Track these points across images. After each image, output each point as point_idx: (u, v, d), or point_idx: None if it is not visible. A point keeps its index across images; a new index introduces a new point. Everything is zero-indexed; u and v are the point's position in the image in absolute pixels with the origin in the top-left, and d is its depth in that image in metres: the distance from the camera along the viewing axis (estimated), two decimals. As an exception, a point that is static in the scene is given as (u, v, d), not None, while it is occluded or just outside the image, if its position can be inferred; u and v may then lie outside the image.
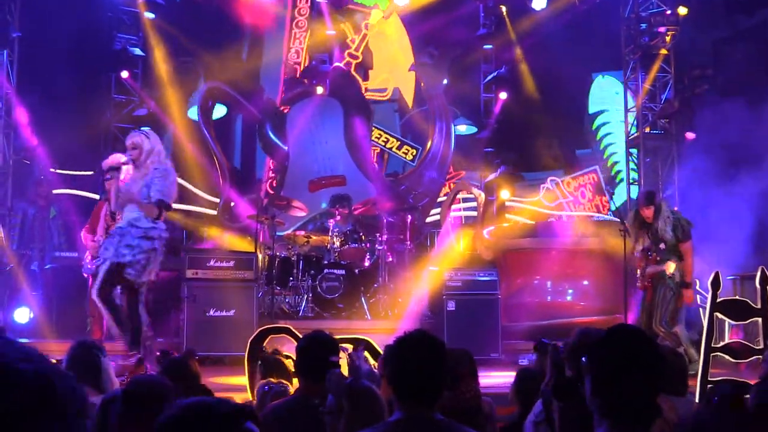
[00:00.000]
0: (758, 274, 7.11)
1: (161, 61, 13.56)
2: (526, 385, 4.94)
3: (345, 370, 4.42)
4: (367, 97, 15.00)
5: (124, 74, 13.30)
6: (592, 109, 17.71)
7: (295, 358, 4.60)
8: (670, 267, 9.12)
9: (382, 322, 10.95)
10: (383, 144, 15.11)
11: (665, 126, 15.00)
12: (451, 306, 10.52)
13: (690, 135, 14.19)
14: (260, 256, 11.34)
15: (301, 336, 5.15)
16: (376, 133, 15.05)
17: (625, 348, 2.55)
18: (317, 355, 4.22)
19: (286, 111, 14.54)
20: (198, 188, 13.59)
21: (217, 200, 13.65)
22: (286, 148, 14.25)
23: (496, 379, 7.88)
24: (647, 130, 15.00)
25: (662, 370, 2.59)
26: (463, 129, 15.51)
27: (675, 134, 14.82)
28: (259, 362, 5.74)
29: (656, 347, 2.64)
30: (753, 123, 13.22)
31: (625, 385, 2.47)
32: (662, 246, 9.19)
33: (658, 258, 9.25)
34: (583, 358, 2.63)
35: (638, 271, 9.58)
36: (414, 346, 3.14)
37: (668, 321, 9.07)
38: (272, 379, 5.09)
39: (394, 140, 15.26)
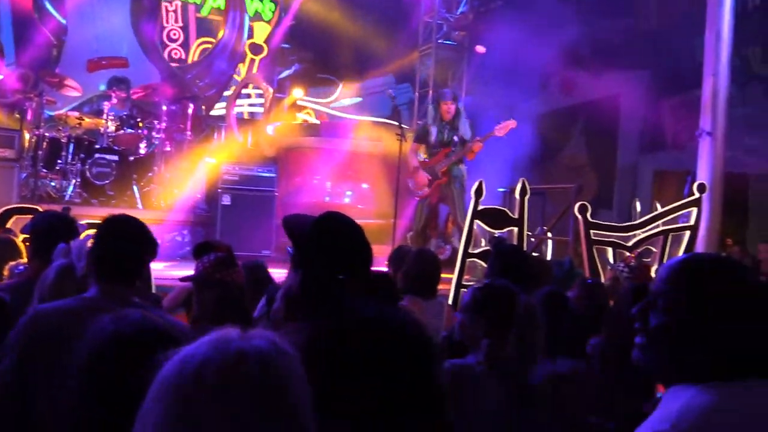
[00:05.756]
0: (519, 185, 7.38)
1: None
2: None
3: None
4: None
5: None
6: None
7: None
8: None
9: (153, 212, 10.54)
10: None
11: (458, 38, 15.16)
12: (225, 200, 10.30)
13: (480, 49, 14.40)
14: (26, 136, 10.59)
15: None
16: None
17: (329, 238, 2.42)
18: (51, 235, 3.97)
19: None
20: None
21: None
22: (64, 21, 13.22)
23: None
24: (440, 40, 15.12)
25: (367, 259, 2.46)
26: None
27: (467, 46, 15.02)
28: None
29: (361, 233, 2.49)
30: (540, 44, 13.58)
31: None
32: (455, 139, 9.49)
33: (447, 152, 9.59)
34: (288, 248, 2.50)
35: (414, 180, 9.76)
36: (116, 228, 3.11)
37: None
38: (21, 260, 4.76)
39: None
